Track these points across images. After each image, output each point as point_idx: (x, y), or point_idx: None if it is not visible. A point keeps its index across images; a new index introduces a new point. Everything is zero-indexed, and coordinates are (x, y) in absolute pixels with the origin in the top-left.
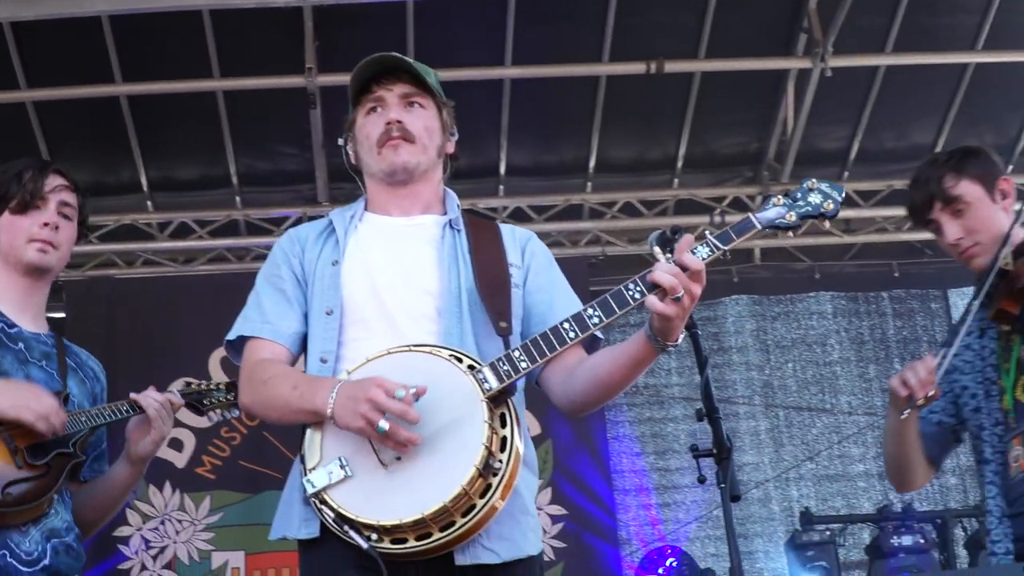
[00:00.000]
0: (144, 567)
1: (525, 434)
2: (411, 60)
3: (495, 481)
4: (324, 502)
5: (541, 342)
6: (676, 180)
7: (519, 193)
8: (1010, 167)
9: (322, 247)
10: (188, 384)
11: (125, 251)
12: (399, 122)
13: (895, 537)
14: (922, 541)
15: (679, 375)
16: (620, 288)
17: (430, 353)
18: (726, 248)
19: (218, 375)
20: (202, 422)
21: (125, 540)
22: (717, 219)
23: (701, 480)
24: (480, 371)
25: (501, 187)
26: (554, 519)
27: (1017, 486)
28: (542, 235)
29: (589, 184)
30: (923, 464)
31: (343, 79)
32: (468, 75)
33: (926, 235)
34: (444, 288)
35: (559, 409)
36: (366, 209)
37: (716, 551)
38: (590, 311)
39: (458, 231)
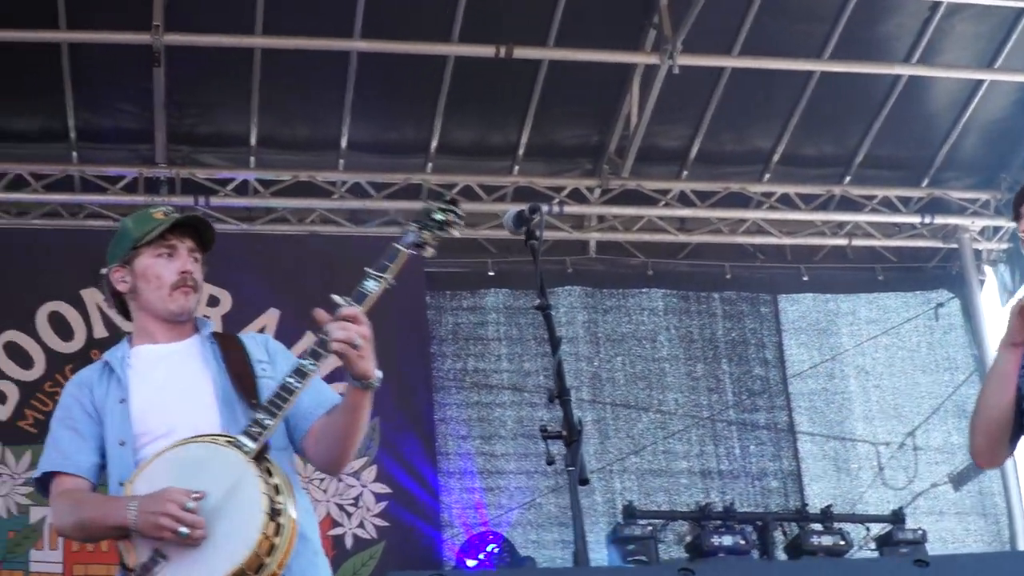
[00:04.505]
0: None
1: (296, 483)
2: (206, 222)
3: (282, 520)
4: None
5: (276, 400)
6: (516, 167)
7: (359, 169)
8: (847, 178)
9: (107, 386)
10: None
11: None
12: (191, 273)
13: (716, 536)
14: (742, 542)
15: (509, 361)
16: (319, 338)
17: (189, 443)
18: (386, 276)
19: (45, 330)
20: (27, 375)
21: None
22: (556, 208)
23: (550, 462)
24: (237, 440)
25: (341, 161)
26: (378, 497)
27: None
28: (379, 212)
29: (430, 165)
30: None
31: (190, 39)
32: (315, 44)
33: (760, 239)
34: (215, 387)
35: (322, 471)
36: (131, 344)
37: (537, 539)
38: (305, 361)
39: (213, 343)
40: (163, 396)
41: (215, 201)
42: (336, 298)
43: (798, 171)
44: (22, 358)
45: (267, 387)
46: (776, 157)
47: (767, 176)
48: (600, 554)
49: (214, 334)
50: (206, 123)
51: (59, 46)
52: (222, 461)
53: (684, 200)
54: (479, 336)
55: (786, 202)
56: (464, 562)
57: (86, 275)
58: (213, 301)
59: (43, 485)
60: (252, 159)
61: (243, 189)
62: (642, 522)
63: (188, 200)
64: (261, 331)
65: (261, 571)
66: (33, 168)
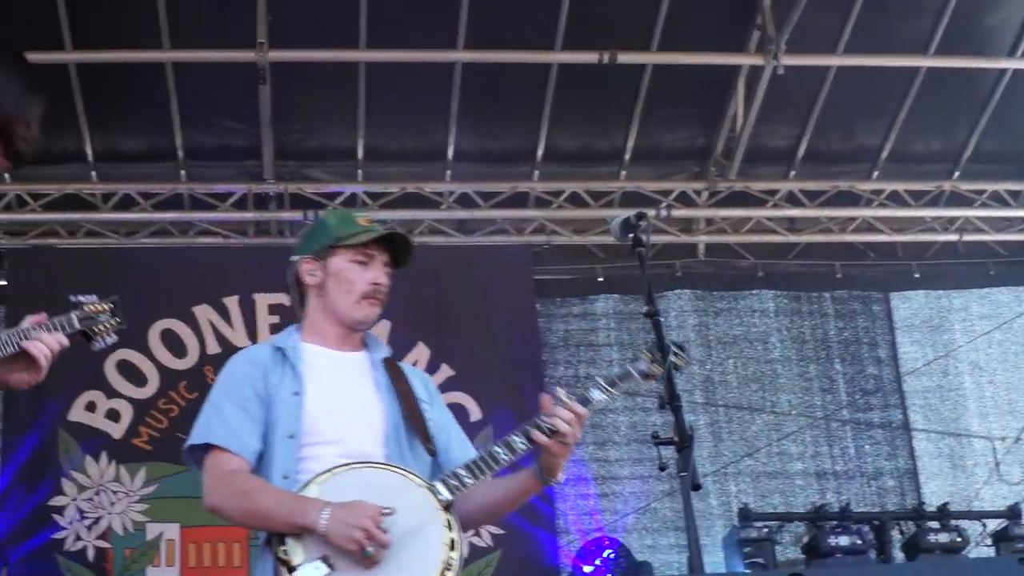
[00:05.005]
0: (79, 537)
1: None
2: (407, 242)
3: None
4: None
5: (481, 463)
6: (623, 172)
7: (466, 179)
8: (956, 173)
9: (281, 375)
10: (81, 306)
11: (68, 221)
12: (383, 286)
13: (832, 537)
14: (859, 542)
15: (620, 366)
16: (535, 421)
17: (386, 469)
18: (614, 392)
19: (159, 349)
20: (141, 393)
21: (60, 510)
22: (663, 212)
23: (662, 468)
24: (433, 486)
25: (448, 172)
26: None
27: None
28: (487, 222)
29: (536, 172)
30: None
31: (295, 55)
32: (419, 57)
33: (870, 236)
34: (385, 416)
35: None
36: (301, 338)
37: (653, 543)
38: (515, 438)
39: (381, 368)
40: (336, 404)
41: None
42: (560, 392)
43: (907, 168)
44: (135, 376)
45: (430, 427)
46: (884, 154)
47: (876, 174)
48: (716, 557)
49: (383, 359)
50: (313, 138)
51: (164, 66)
52: (414, 499)
53: (793, 200)
54: (590, 342)
55: (895, 199)
56: (580, 568)
57: (197, 292)
58: None
59: (194, 453)
60: (359, 172)
61: (351, 202)
62: (758, 524)
63: (297, 215)
64: None
65: None
66: (142, 187)
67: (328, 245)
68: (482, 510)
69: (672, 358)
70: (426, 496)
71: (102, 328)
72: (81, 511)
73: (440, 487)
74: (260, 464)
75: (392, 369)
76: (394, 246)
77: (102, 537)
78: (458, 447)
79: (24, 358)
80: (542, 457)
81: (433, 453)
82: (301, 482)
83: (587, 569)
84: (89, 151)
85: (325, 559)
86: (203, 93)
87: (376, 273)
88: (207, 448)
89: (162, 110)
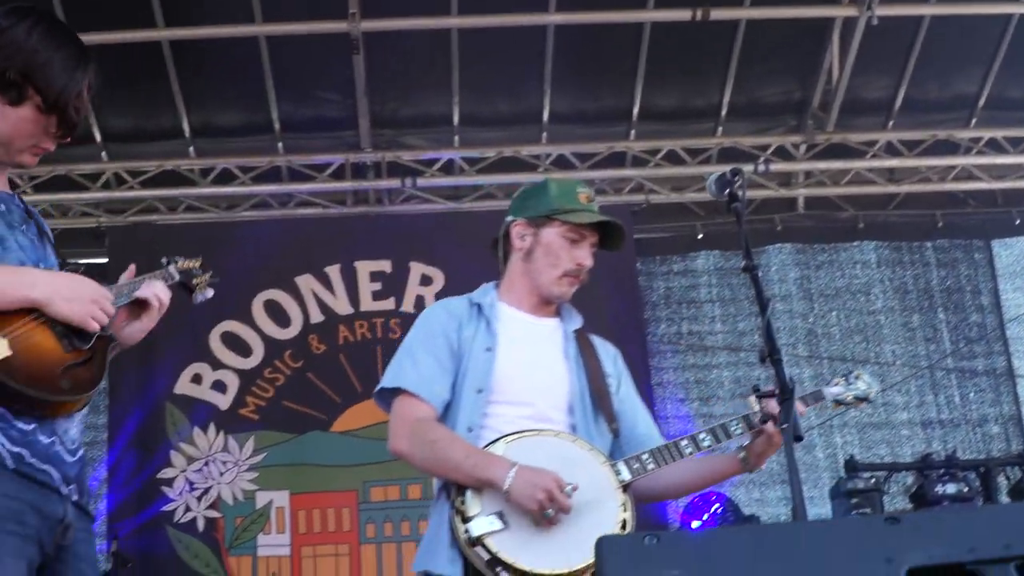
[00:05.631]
0: (188, 508)
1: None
2: (620, 230)
3: None
4: (482, 546)
5: (666, 452)
6: (720, 128)
7: (562, 140)
8: None
9: (475, 330)
10: (175, 261)
11: (167, 197)
12: (587, 267)
13: (939, 486)
14: (966, 489)
15: (722, 323)
16: (728, 423)
17: (571, 441)
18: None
19: (263, 320)
20: (246, 363)
21: (170, 482)
22: (761, 167)
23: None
24: (615, 465)
25: (544, 134)
26: None
27: None
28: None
29: (632, 132)
30: None
31: (386, 24)
32: (512, 21)
33: (970, 185)
34: (572, 388)
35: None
36: (498, 298)
37: (761, 496)
38: (703, 435)
39: (573, 339)
40: (526, 367)
41: (421, 182)
42: (752, 400)
43: (1004, 114)
44: (240, 347)
45: (615, 404)
46: (981, 102)
47: (974, 121)
48: (824, 508)
49: (575, 331)
50: (408, 106)
51: (257, 40)
52: (595, 475)
53: (891, 150)
54: (692, 299)
55: (994, 146)
56: (689, 523)
57: (301, 262)
58: (426, 280)
59: (383, 396)
60: (456, 138)
61: (448, 168)
62: (865, 475)
63: (395, 183)
64: None
65: None
66: (240, 161)
67: (544, 214)
68: (672, 488)
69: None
70: (607, 474)
71: (198, 281)
72: (190, 482)
73: (622, 468)
74: (446, 414)
75: (583, 341)
76: (605, 231)
77: (212, 507)
78: (644, 426)
79: (135, 310)
80: (760, 447)
81: (616, 433)
82: (485, 437)
83: (695, 524)
84: (186, 127)
85: (500, 515)
86: (297, 65)
87: (584, 254)
88: (396, 392)
89: (257, 84)
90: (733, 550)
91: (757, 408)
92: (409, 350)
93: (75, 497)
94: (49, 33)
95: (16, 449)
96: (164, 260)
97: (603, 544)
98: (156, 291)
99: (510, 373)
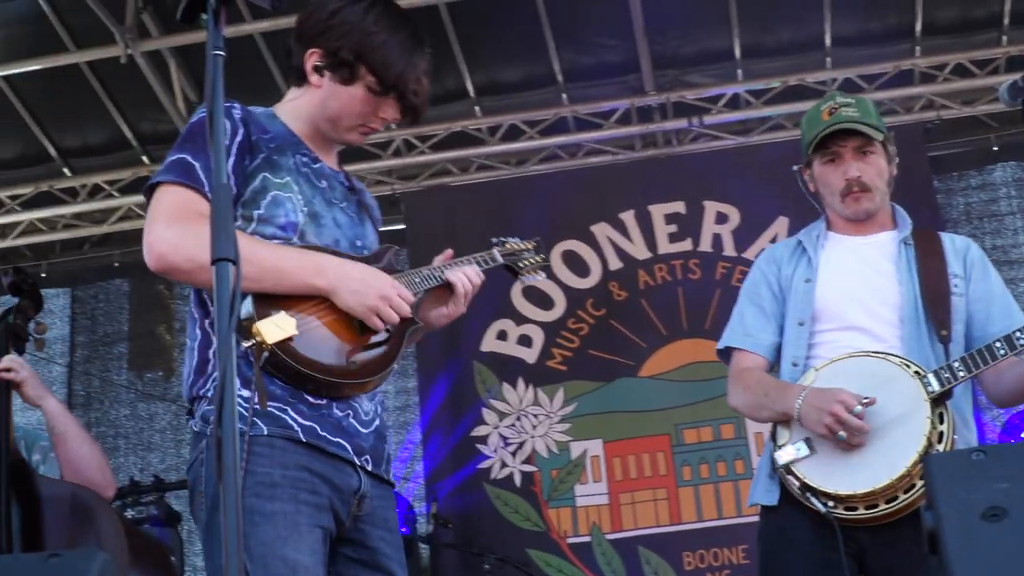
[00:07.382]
0: (504, 464)
1: (963, 430)
2: (862, 124)
3: None
4: (791, 473)
5: (977, 357)
6: (1004, 37)
7: (846, 64)
8: None
9: (795, 266)
10: (503, 243)
11: (459, 158)
12: (858, 178)
13: None
14: None
15: None
16: None
17: (882, 359)
18: None
19: (562, 271)
20: (549, 316)
21: (483, 440)
22: None
23: None
24: (925, 376)
25: (828, 59)
26: None
27: None
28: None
29: (917, 48)
30: None
31: None
32: None
33: None
34: (903, 299)
35: (994, 403)
36: (828, 229)
37: None
38: (1018, 334)
39: (908, 245)
40: (850, 290)
41: (708, 120)
42: None
43: None
44: (542, 300)
45: (957, 308)
46: None
47: None
48: None
49: (914, 233)
50: (688, 43)
51: None
52: (903, 389)
53: None
54: (992, 213)
55: None
56: (1008, 442)
57: (595, 211)
58: (721, 218)
59: (724, 355)
60: (739, 72)
61: (734, 103)
62: None
63: (682, 123)
64: (773, 240)
65: (893, 502)
66: (526, 116)
67: (807, 154)
68: (1018, 388)
69: None
70: (916, 387)
71: (527, 263)
72: (504, 438)
73: (932, 379)
74: (780, 354)
75: (923, 244)
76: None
77: (527, 461)
78: (1000, 319)
79: (443, 294)
80: None
81: (945, 340)
82: (810, 368)
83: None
84: (470, 87)
85: (807, 441)
86: (575, 14)
87: (845, 168)
88: (730, 353)
89: (536, 37)
90: None
91: None
92: (737, 308)
93: (369, 467)
94: (385, 14)
95: (308, 423)
96: (493, 240)
97: (931, 462)
98: (466, 275)
99: (832, 299)
